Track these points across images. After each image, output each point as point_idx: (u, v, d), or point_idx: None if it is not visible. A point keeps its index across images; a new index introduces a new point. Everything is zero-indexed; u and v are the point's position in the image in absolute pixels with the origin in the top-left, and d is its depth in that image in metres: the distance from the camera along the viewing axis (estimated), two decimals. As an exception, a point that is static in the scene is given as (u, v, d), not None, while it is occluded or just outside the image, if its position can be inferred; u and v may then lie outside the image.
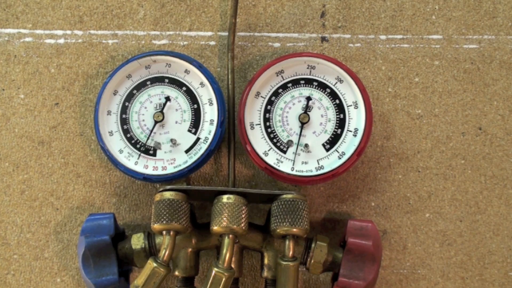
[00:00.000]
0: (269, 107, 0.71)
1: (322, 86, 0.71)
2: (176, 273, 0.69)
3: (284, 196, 0.67)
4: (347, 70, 0.70)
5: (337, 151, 0.70)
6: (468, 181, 0.76)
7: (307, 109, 0.70)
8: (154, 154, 0.70)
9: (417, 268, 0.75)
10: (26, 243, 0.75)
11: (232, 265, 0.68)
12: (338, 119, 0.70)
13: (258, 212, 0.75)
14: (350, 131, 0.70)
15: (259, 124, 0.71)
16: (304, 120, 0.70)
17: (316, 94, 0.71)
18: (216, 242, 0.69)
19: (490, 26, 0.78)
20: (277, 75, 0.71)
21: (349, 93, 0.71)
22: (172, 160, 0.70)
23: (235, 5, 0.75)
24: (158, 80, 0.72)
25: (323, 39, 0.78)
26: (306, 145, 0.70)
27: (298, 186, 0.70)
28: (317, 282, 0.75)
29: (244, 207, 0.66)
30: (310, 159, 0.70)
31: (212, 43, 0.78)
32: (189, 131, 0.71)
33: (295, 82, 0.71)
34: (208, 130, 0.70)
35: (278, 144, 0.70)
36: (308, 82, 0.71)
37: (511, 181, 0.76)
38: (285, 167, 0.69)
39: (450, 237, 0.76)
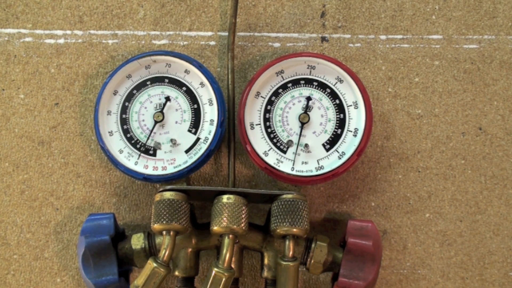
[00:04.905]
0: (269, 107, 0.71)
1: (322, 86, 0.71)
2: (176, 273, 0.69)
3: (284, 196, 0.67)
4: (347, 70, 0.70)
5: (337, 151, 0.70)
6: (468, 181, 0.76)
7: (307, 109, 0.70)
8: (154, 154, 0.70)
9: (417, 268, 0.75)
10: (26, 243, 0.75)
11: (232, 265, 0.68)
12: (338, 119, 0.70)
13: (258, 212, 0.75)
14: (350, 131, 0.70)
15: (259, 124, 0.71)
16: (304, 120, 0.70)
17: (316, 94, 0.71)
18: (216, 242, 0.69)
19: (490, 26, 0.78)
20: (277, 75, 0.71)
21: (349, 93, 0.71)
22: (172, 160, 0.70)
23: (235, 5, 0.75)
24: (158, 80, 0.72)
25: (323, 39, 0.78)
26: (306, 145, 0.70)
27: (298, 186, 0.70)
28: (317, 282, 0.75)
29: (244, 207, 0.66)
30: (310, 159, 0.70)
31: (212, 43, 0.78)
32: (189, 131, 0.71)
33: (295, 82, 0.71)
34: (208, 130, 0.70)
35: (278, 144, 0.70)
36: (308, 82, 0.71)
37: (511, 181, 0.76)
38: (285, 167, 0.69)
39: (450, 237, 0.76)
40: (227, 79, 0.74)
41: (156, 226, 0.66)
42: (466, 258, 0.75)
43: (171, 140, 0.70)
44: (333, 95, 0.71)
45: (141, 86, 0.72)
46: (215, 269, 0.64)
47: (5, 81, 0.77)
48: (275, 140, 0.70)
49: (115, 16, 0.78)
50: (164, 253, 0.65)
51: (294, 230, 0.65)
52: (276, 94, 0.71)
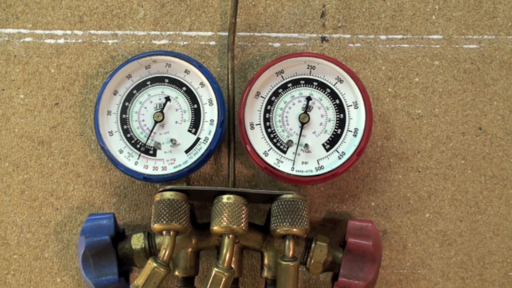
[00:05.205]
0: (269, 107, 0.71)
1: (322, 86, 0.71)
2: (176, 273, 0.69)
3: (284, 196, 0.67)
4: (347, 70, 0.70)
5: (337, 151, 0.70)
6: (468, 181, 0.76)
7: (307, 109, 0.70)
8: (154, 154, 0.70)
9: (417, 268, 0.75)
10: (26, 243, 0.75)
11: (232, 265, 0.68)
12: (338, 119, 0.70)
13: (258, 212, 0.75)
14: (350, 131, 0.70)
15: (259, 124, 0.71)
16: (304, 120, 0.70)
17: (316, 94, 0.71)
18: (216, 242, 0.69)
19: (490, 26, 0.78)
20: (277, 75, 0.71)
21: (349, 93, 0.71)
22: (172, 160, 0.70)
23: (235, 5, 0.75)
24: (158, 80, 0.72)
25: (323, 39, 0.78)
26: (306, 145, 0.70)
27: (298, 186, 0.70)
28: (317, 282, 0.75)
29: (244, 207, 0.66)
30: (310, 159, 0.70)
31: (212, 43, 0.78)
32: (189, 131, 0.71)
33: (295, 82, 0.71)
34: (208, 130, 0.70)
35: (278, 144, 0.70)
36: (308, 82, 0.71)
37: (511, 181, 0.76)
38: (285, 167, 0.69)
39: (450, 237, 0.76)
40: (227, 79, 0.74)
41: (156, 226, 0.66)
42: (466, 258, 0.75)
43: (171, 140, 0.70)
44: (333, 95, 0.71)
45: (141, 86, 0.72)
46: (215, 269, 0.64)
47: (5, 81, 0.77)
48: (275, 140, 0.70)
49: (115, 16, 0.78)
50: (164, 253, 0.65)
51: (294, 230, 0.65)
52: (276, 94, 0.71)
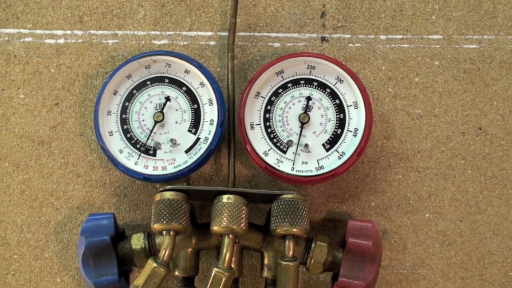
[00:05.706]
0: (269, 107, 0.71)
1: (322, 86, 0.71)
2: (176, 273, 0.69)
3: (284, 196, 0.67)
4: (347, 70, 0.70)
5: (337, 151, 0.70)
6: (468, 181, 0.76)
7: (307, 109, 0.70)
8: (154, 154, 0.70)
9: (417, 268, 0.75)
10: (26, 243, 0.75)
11: (232, 265, 0.68)
12: (338, 119, 0.70)
13: (258, 212, 0.75)
14: (350, 131, 0.70)
15: (259, 124, 0.71)
16: (304, 120, 0.70)
17: (316, 94, 0.71)
18: (216, 242, 0.69)
19: (490, 26, 0.78)
20: (277, 75, 0.71)
21: (349, 93, 0.71)
22: (172, 160, 0.70)
23: (235, 5, 0.75)
24: (158, 80, 0.72)
25: (323, 39, 0.78)
26: (306, 145, 0.70)
27: (298, 186, 0.70)
28: (317, 282, 0.75)
29: (244, 207, 0.66)
30: (310, 159, 0.70)
31: (212, 43, 0.78)
32: (189, 131, 0.71)
33: (295, 82, 0.71)
34: (208, 130, 0.70)
35: (278, 144, 0.70)
36: (308, 82, 0.71)
37: (511, 181, 0.76)
38: (285, 167, 0.69)
39: (450, 237, 0.76)
40: (227, 79, 0.74)
41: (156, 226, 0.66)
42: (466, 258, 0.75)
43: (171, 140, 0.70)
44: (333, 95, 0.71)
45: (141, 86, 0.72)
46: (215, 269, 0.64)
47: (5, 81, 0.77)
48: (275, 140, 0.70)
49: (115, 16, 0.78)
50: (164, 253, 0.65)
51: (294, 230, 0.65)
52: (276, 94, 0.71)
